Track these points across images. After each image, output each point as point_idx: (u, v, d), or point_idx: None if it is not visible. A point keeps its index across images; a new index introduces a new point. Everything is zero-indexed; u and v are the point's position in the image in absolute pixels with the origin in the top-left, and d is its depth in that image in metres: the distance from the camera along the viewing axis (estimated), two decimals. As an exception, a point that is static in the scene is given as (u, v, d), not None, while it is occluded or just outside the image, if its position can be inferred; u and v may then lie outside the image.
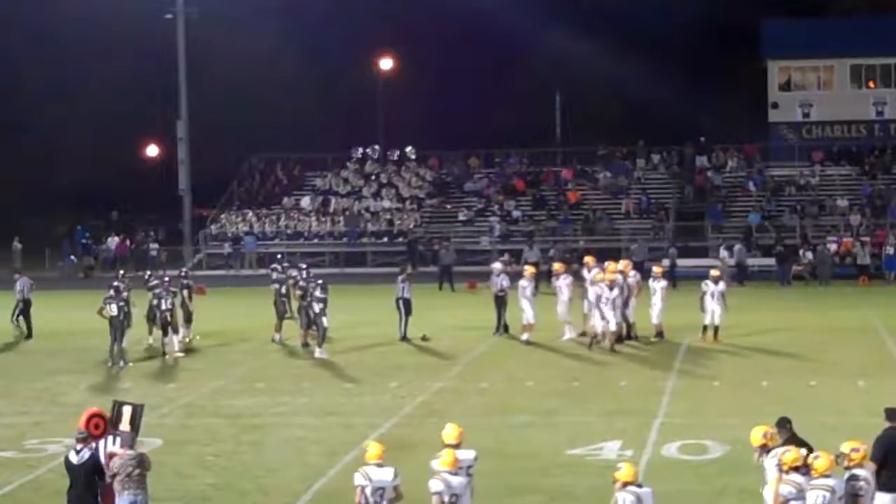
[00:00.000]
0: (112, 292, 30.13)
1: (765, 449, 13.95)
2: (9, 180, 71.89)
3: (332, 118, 74.55)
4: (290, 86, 75.44)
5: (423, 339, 32.84)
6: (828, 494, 12.64)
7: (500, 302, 33.40)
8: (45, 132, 75.51)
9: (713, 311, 31.34)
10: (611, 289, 30.45)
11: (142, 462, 14.71)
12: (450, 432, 14.54)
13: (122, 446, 14.89)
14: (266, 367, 29.79)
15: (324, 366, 29.49)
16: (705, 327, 31.58)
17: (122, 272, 35.51)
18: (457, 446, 14.24)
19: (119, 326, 29.71)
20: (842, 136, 63.68)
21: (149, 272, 37.16)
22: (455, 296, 46.25)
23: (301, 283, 32.63)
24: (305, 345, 31.78)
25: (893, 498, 14.59)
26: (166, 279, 32.99)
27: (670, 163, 62.71)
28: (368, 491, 13.33)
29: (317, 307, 30.87)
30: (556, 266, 34.06)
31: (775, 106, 64.42)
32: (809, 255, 49.83)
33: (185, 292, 33.35)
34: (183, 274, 35.35)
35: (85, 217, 67.58)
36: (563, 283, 32.60)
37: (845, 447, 13.65)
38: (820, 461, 12.96)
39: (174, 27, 62.66)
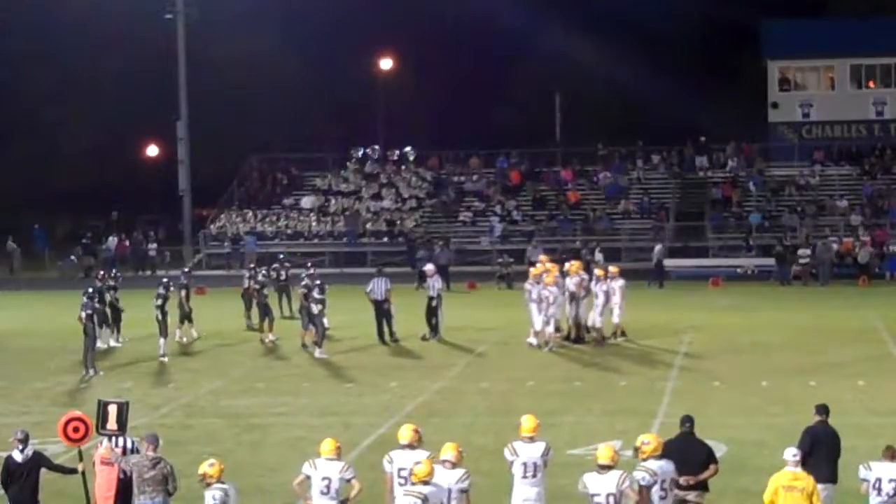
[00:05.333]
0: (85, 299, 29.26)
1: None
2: (8, 181, 71.86)
3: (332, 118, 74.56)
4: (290, 86, 75.41)
5: (423, 339, 32.83)
6: (419, 501, 13.35)
7: (430, 307, 33.43)
8: (45, 132, 75.47)
9: None
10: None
11: (157, 466, 14.71)
12: (404, 433, 14.66)
13: (146, 447, 14.93)
14: (266, 367, 29.80)
15: (324, 366, 29.48)
16: None
17: (101, 273, 35.25)
18: (409, 447, 14.41)
19: (91, 334, 28.98)
20: (842, 136, 63.59)
21: (101, 272, 36.60)
22: (455, 296, 46.16)
23: (304, 282, 32.58)
24: (306, 345, 31.77)
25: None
26: (164, 280, 32.90)
27: (670, 163, 62.67)
28: (315, 481, 14.54)
29: (315, 308, 30.87)
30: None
31: (775, 106, 64.34)
32: (807, 253, 49.42)
33: (183, 292, 33.33)
34: (184, 273, 35.33)
35: (84, 217, 67.56)
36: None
37: (638, 440, 14.20)
38: (420, 467, 13.59)
39: (174, 27, 62.64)
